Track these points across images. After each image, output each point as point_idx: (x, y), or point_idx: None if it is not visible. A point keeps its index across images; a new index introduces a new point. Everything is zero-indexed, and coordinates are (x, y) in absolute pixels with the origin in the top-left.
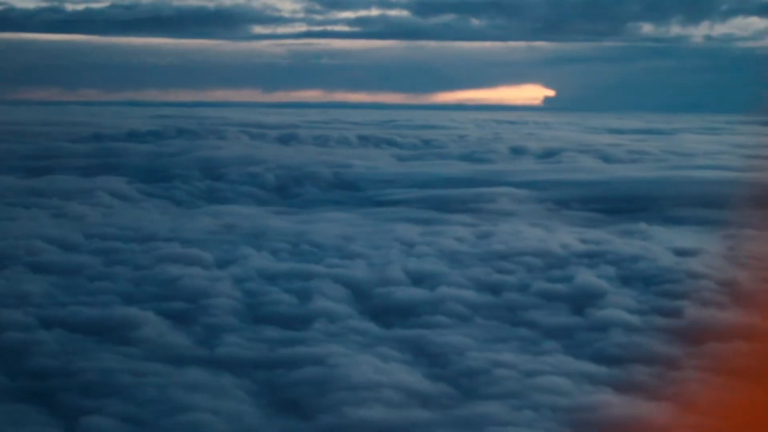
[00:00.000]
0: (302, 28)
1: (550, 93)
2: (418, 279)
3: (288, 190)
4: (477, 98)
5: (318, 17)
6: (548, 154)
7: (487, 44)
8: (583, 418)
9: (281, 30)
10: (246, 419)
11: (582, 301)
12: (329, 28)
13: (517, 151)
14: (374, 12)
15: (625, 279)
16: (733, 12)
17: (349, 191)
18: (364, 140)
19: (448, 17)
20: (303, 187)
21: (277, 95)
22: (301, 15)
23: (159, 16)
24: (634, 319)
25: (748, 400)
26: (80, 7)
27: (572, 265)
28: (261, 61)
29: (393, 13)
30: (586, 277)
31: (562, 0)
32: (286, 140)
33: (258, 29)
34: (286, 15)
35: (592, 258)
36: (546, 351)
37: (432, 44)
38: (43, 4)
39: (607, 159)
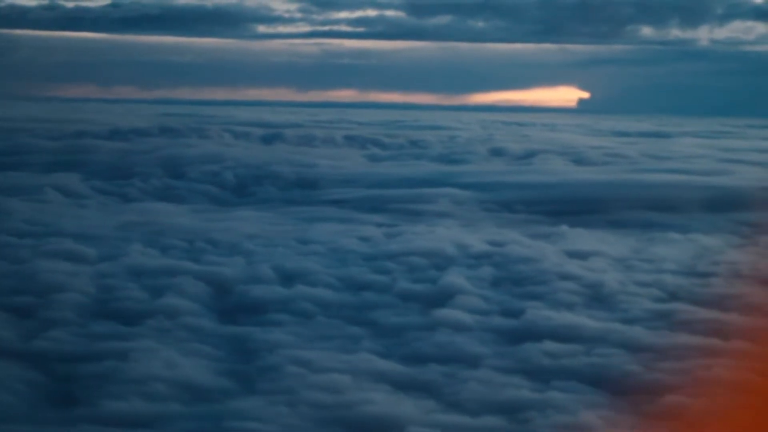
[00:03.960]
0: (305, 28)
1: (585, 95)
2: (286, 277)
3: (245, 189)
4: (512, 99)
5: (316, 17)
6: (525, 156)
7: (518, 46)
8: (336, 414)
9: (283, 29)
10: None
11: (435, 301)
12: (334, 28)
13: (496, 153)
14: (370, 12)
15: (497, 280)
16: (729, 16)
17: (307, 190)
18: (350, 140)
19: (445, 18)
20: (261, 186)
21: (311, 94)
22: (298, 15)
23: (151, 14)
24: (470, 320)
25: (520, 399)
26: (71, 4)
27: (455, 266)
28: (280, 60)
29: (390, 13)
30: (452, 278)
31: (557, 2)
32: (269, 140)
33: (262, 28)
34: (284, 15)
35: (480, 259)
36: (357, 350)
37: (464, 45)
38: (41, 2)
39: (579, 161)
